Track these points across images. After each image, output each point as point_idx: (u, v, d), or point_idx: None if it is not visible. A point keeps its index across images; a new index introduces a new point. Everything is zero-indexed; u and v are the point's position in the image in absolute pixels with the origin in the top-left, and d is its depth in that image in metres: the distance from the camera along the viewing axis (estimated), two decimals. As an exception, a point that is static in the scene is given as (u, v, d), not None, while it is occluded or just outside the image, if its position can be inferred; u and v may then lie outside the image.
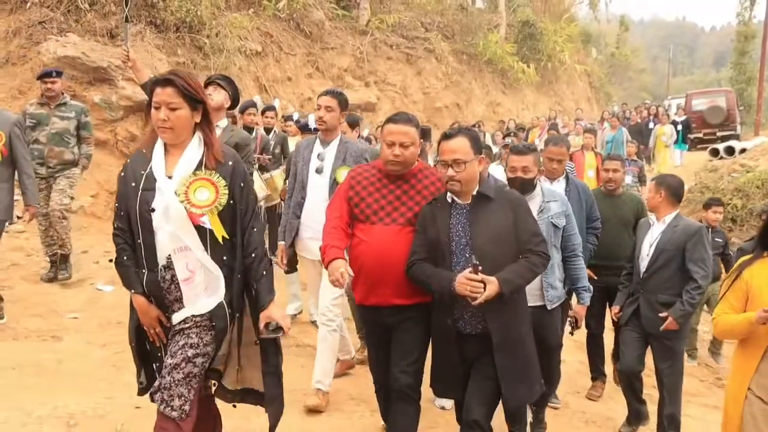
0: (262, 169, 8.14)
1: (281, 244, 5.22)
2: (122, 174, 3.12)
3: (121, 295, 6.44)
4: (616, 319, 5.24)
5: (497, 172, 7.08)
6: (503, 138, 13.69)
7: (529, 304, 3.93)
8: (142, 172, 3.07)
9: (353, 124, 6.55)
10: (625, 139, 15.29)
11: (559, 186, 5.13)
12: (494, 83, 25.09)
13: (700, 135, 23.21)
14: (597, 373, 5.96)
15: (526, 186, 4.30)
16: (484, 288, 3.28)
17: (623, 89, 45.47)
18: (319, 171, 4.97)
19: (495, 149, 13.46)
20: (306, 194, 5.01)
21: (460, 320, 3.51)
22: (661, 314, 4.76)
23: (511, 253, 3.47)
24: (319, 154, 5.00)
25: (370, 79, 18.98)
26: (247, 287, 3.18)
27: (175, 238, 3.00)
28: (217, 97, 5.12)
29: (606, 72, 41.14)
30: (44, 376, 4.58)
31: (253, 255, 3.11)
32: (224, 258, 3.08)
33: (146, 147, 3.16)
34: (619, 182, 5.85)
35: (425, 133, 5.79)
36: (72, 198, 7.38)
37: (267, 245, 7.56)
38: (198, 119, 3.12)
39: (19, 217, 6.97)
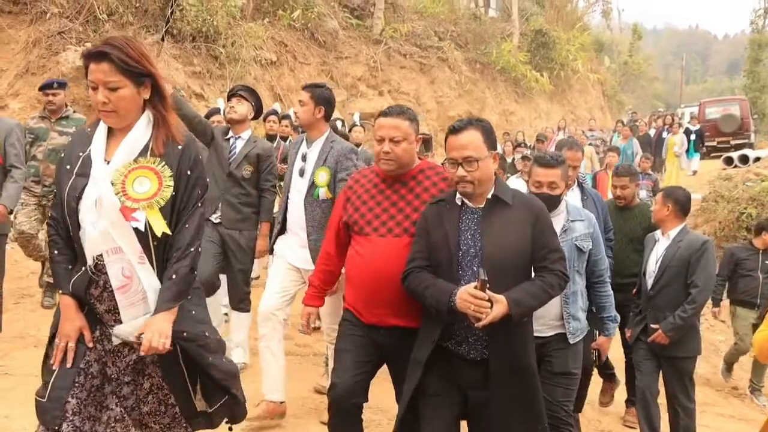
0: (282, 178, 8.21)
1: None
2: (62, 154, 2.69)
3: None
4: (630, 341, 4.98)
5: (518, 185, 6.68)
6: (513, 149, 13.57)
7: (546, 334, 3.71)
8: (81, 153, 2.62)
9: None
10: (635, 150, 14.95)
11: (574, 196, 4.71)
12: (507, 92, 25.14)
13: (714, 143, 23.13)
14: (605, 374, 5.66)
15: (552, 204, 3.76)
16: (491, 308, 2.78)
17: (636, 98, 45.39)
18: (301, 173, 4.48)
19: (508, 159, 13.46)
20: (288, 198, 4.55)
21: (464, 343, 2.99)
22: (652, 325, 4.66)
23: (524, 270, 3.01)
24: (303, 155, 4.52)
25: (383, 88, 19.08)
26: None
27: (106, 235, 2.52)
28: (240, 108, 5.19)
29: (619, 80, 41.10)
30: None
31: (173, 254, 2.59)
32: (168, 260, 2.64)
33: (92, 125, 2.70)
34: (629, 198, 5.45)
35: (426, 144, 5.62)
36: None
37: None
38: (147, 95, 2.62)
39: None
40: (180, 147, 2.64)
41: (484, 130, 3.03)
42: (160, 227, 2.55)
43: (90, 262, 2.56)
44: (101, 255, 2.54)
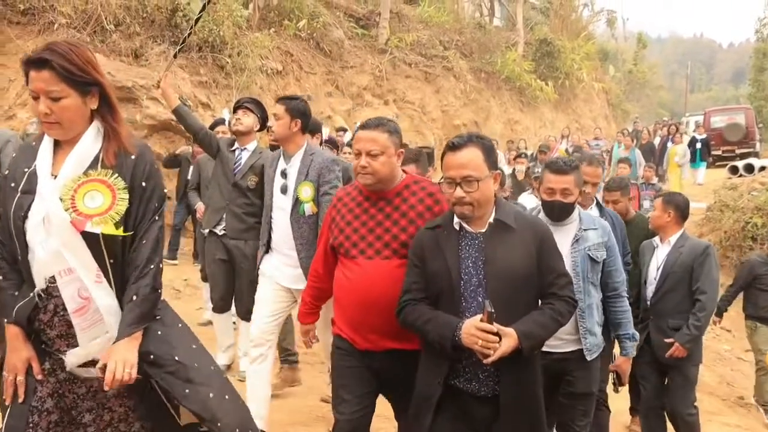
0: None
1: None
2: (6, 171, 2.48)
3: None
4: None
5: (529, 202, 6.66)
6: (514, 159, 13.45)
7: (564, 350, 3.57)
8: (26, 169, 2.42)
9: (315, 130, 5.69)
10: (638, 160, 14.81)
11: (592, 213, 4.37)
12: (512, 101, 25.18)
13: (719, 152, 23.12)
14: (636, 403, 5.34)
15: (565, 212, 3.64)
16: (499, 342, 2.58)
17: (641, 106, 45.36)
18: (284, 190, 4.30)
19: (506, 170, 13.36)
20: (272, 217, 4.38)
21: (473, 381, 2.78)
22: (666, 340, 4.57)
23: (531, 298, 2.80)
24: (282, 171, 4.34)
25: (389, 97, 19.13)
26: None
27: (58, 256, 2.32)
28: (246, 120, 5.22)
29: (624, 89, 41.11)
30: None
31: (132, 274, 2.40)
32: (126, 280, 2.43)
33: (37, 138, 2.50)
34: (623, 212, 5.16)
35: (428, 158, 5.43)
36: None
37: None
38: (94, 105, 2.43)
39: None
40: (133, 157, 2.44)
41: (484, 148, 2.80)
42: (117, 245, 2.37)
43: (41, 285, 2.36)
44: (53, 277, 2.34)
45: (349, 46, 18.38)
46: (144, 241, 2.42)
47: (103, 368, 2.29)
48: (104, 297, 2.37)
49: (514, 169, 11.62)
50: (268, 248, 4.40)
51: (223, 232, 5.24)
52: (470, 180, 2.73)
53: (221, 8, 13.17)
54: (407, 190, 3.19)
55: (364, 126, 3.20)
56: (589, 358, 3.61)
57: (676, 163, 17.53)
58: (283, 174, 4.32)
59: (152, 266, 2.42)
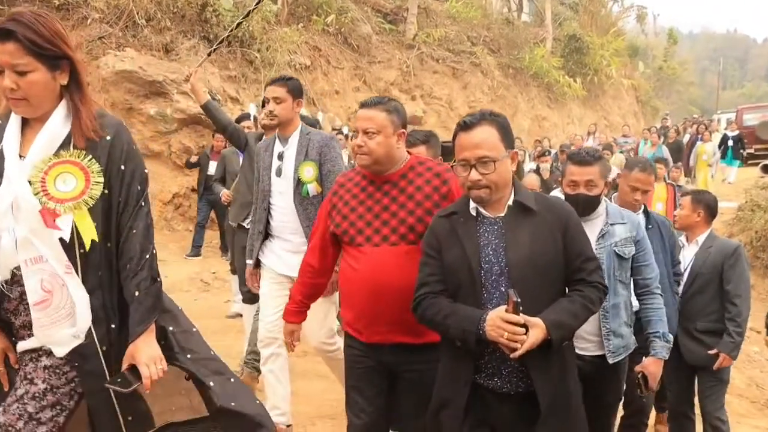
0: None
1: (248, 264, 4.44)
2: None
3: (177, 303, 6.67)
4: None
5: None
6: (538, 158, 13.30)
7: (586, 353, 3.28)
8: None
9: (311, 125, 5.43)
10: (665, 158, 14.62)
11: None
12: (540, 97, 25.06)
13: (752, 151, 22.79)
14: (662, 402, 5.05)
15: (590, 206, 3.39)
16: (526, 333, 2.38)
17: (671, 103, 44.92)
18: (278, 173, 4.17)
19: (531, 165, 13.25)
20: (271, 203, 4.22)
21: (495, 377, 2.57)
22: (710, 352, 4.36)
23: (558, 286, 2.59)
24: (279, 154, 4.20)
25: (416, 93, 19.13)
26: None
27: (26, 244, 2.15)
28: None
29: (653, 86, 40.71)
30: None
31: (127, 267, 2.25)
32: (99, 273, 2.24)
33: (3, 116, 2.33)
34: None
35: (445, 152, 5.30)
36: None
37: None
38: (64, 81, 2.24)
39: None
40: (108, 138, 2.26)
41: (499, 126, 2.58)
42: (90, 233, 2.19)
43: (4, 275, 2.21)
44: (18, 267, 2.18)
45: (376, 42, 18.41)
46: (134, 231, 2.27)
47: (129, 368, 2.21)
48: (76, 288, 2.20)
49: (538, 167, 11.57)
50: (266, 235, 4.26)
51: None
52: (486, 161, 2.51)
53: (250, 3, 13.25)
54: (412, 171, 3.05)
55: (363, 105, 3.08)
56: (611, 361, 3.33)
57: (705, 161, 17.27)
58: (280, 156, 4.18)
59: (147, 256, 2.28)
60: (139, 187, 2.31)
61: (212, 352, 2.54)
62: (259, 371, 5.00)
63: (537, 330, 2.39)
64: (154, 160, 11.30)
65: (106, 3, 11.78)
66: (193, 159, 10.64)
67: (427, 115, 18.91)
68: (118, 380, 2.19)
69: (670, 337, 3.54)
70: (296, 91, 4.22)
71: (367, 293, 2.96)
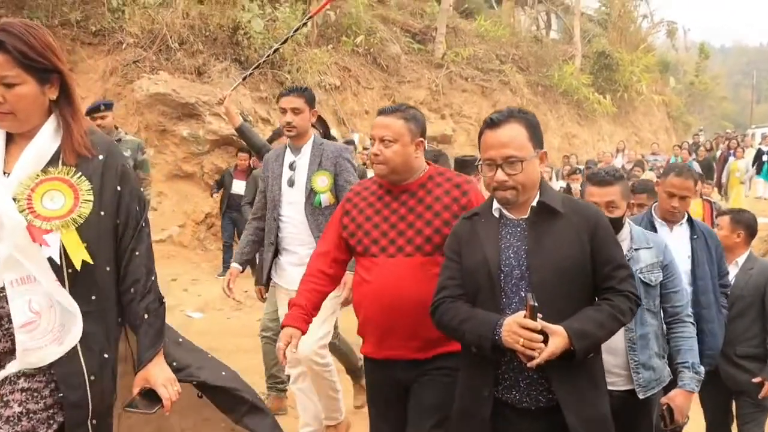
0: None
1: (233, 266, 4.34)
2: None
3: (210, 322, 6.79)
4: None
5: None
6: (568, 176, 13.12)
7: (614, 388, 2.96)
8: None
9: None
10: None
11: (682, 232, 3.89)
12: (569, 114, 24.98)
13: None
14: None
15: (612, 228, 2.96)
16: (545, 341, 2.22)
17: (703, 118, 44.44)
18: (290, 183, 4.10)
19: (560, 184, 13.17)
20: (280, 214, 4.13)
21: (513, 389, 2.40)
22: (754, 380, 4.13)
23: (584, 293, 2.42)
24: (291, 164, 4.13)
25: (445, 112, 19.21)
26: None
27: (12, 263, 2.03)
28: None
29: (685, 101, 40.35)
30: (144, 397, 4.84)
31: (132, 290, 2.18)
32: (92, 297, 2.12)
33: None
34: None
35: (464, 165, 5.23)
36: None
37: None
38: (54, 95, 2.15)
39: None
40: (101, 158, 2.17)
41: (528, 124, 2.45)
42: (79, 253, 2.06)
43: None
44: (3, 287, 2.04)
45: (405, 61, 18.55)
46: (137, 253, 2.21)
47: (140, 392, 2.17)
48: (66, 301, 2.07)
49: (568, 186, 11.51)
50: (276, 249, 4.18)
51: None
52: (513, 161, 2.38)
53: (281, 26, 13.48)
54: (431, 181, 2.97)
55: (380, 112, 2.99)
56: (642, 396, 3.09)
57: (738, 179, 16.99)
58: (291, 166, 4.12)
59: (153, 278, 2.25)
60: (137, 208, 2.25)
61: (207, 355, 2.52)
62: (283, 392, 5.08)
63: (558, 338, 2.23)
64: (186, 181, 11.53)
65: (141, 28, 12.07)
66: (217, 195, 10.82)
67: (457, 134, 18.97)
68: (136, 405, 2.15)
69: (701, 369, 3.25)
70: (312, 102, 4.18)
71: (381, 306, 2.85)
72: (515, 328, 2.24)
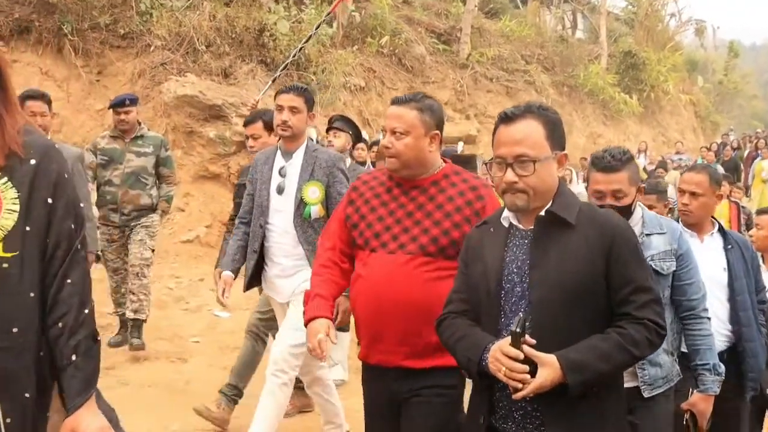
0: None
1: (224, 274, 4.05)
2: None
3: (237, 321, 6.86)
4: None
5: None
6: (585, 180, 12.98)
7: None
8: None
9: (271, 125, 4.66)
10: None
11: (714, 243, 3.56)
12: (595, 114, 24.82)
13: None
14: None
15: (621, 215, 2.71)
16: (533, 372, 1.97)
17: (732, 117, 43.87)
18: (279, 190, 3.87)
19: (580, 187, 13.03)
20: (267, 221, 3.90)
21: (509, 419, 2.15)
22: None
23: (593, 317, 2.10)
24: (281, 169, 3.90)
25: (470, 112, 19.19)
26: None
27: None
28: (337, 142, 5.39)
29: (713, 100, 39.87)
30: (175, 394, 4.97)
31: (59, 324, 1.83)
32: (14, 330, 1.80)
33: None
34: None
35: (466, 161, 5.06)
36: (153, 250, 6.15)
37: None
38: None
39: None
40: (33, 162, 1.85)
41: (547, 121, 2.19)
42: None
43: None
44: None
45: (430, 62, 18.55)
46: (69, 280, 1.86)
47: None
48: None
49: (586, 187, 11.40)
50: (260, 257, 3.96)
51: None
52: (524, 160, 2.12)
53: (306, 27, 13.56)
54: (446, 180, 2.76)
55: (393, 101, 2.79)
56: (647, 395, 2.86)
57: (763, 178, 16.75)
58: (282, 172, 3.89)
59: (86, 311, 1.89)
60: (71, 225, 1.89)
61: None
62: (236, 402, 4.70)
63: (547, 370, 1.97)
64: (213, 182, 11.65)
65: (168, 31, 12.23)
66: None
67: (482, 134, 18.93)
68: None
69: (722, 369, 3.05)
70: (311, 104, 3.98)
71: (372, 305, 2.66)
72: (498, 354, 2.01)
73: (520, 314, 2.04)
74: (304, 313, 2.81)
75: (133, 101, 6.05)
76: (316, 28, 7.00)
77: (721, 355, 3.17)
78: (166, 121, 11.46)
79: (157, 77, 11.83)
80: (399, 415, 2.73)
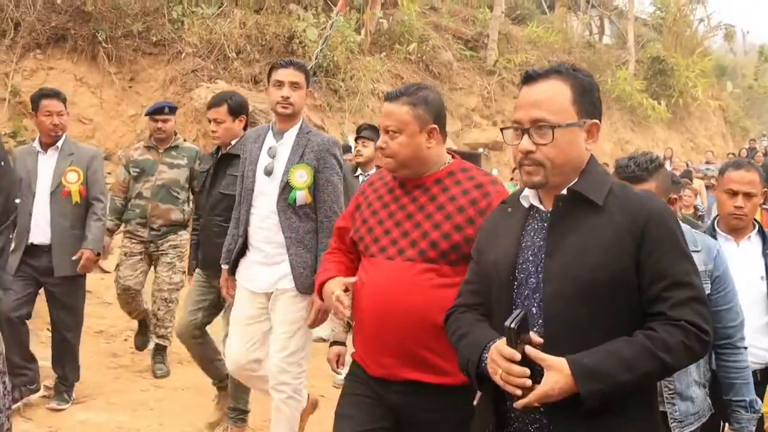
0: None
1: (224, 267, 3.88)
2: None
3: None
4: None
5: None
6: None
7: None
8: None
9: (237, 110, 4.53)
10: None
11: (752, 247, 3.20)
12: (623, 120, 24.69)
13: None
14: None
15: None
16: (533, 375, 1.70)
17: (762, 123, 43.30)
18: (267, 172, 3.57)
19: None
20: (251, 204, 3.64)
21: (515, 424, 1.87)
22: None
23: (620, 317, 1.77)
24: (269, 149, 3.61)
25: (497, 119, 19.18)
26: None
27: None
28: (366, 151, 5.55)
29: (743, 106, 39.41)
30: (207, 396, 5.04)
31: None
32: None
33: None
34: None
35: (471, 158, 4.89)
36: (183, 273, 5.74)
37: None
38: None
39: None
40: None
41: (576, 84, 1.87)
42: None
43: None
44: None
45: (457, 68, 18.59)
46: None
47: None
48: None
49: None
50: (245, 243, 3.70)
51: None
52: (542, 125, 1.81)
53: (335, 34, 13.68)
54: (450, 177, 2.52)
55: (386, 97, 2.58)
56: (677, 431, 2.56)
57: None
58: (270, 152, 3.61)
59: None
60: None
61: None
62: (246, 420, 4.64)
63: (554, 375, 1.67)
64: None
65: (200, 38, 12.41)
66: None
67: (508, 140, 18.96)
68: None
69: (758, 405, 2.75)
70: (309, 81, 3.71)
71: (373, 314, 2.44)
72: (494, 355, 1.75)
73: (519, 309, 1.76)
74: (318, 272, 2.61)
75: (172, 110, 5.79)
76: (330, 27, 7.08)
77: (755, 375, 2.91)
78: (197, 127, 11.60)
79: (188, 84, 12.00)
80: (390, 421, 2.50)
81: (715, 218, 3.40)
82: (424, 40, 17.19)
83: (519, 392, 1.69)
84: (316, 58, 6.70)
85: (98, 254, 4.88)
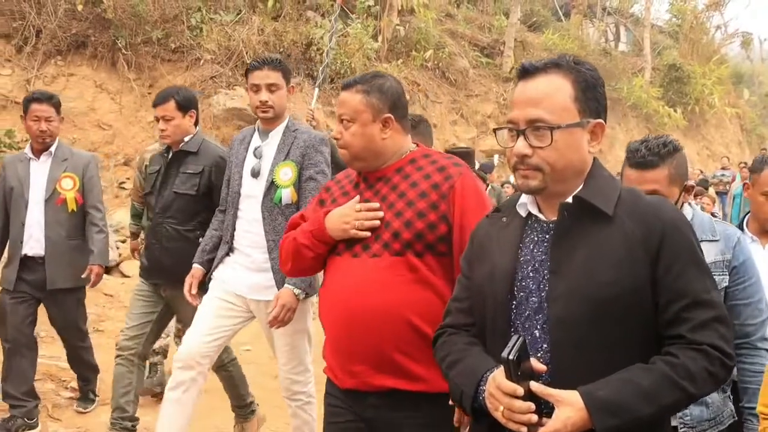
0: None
1: (194, 266, 3.62)
2: None
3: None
4: None
5: None
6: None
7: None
8: None
9: (185, 105, 4.07)
10: None
11: None
12: (638, 128, 24.62)
13: None
14: None
15: None
16: (540, 412, 1.50)
17: (778, 131, 43.09)
18: (254, 174, 3.41)
19: None
20: (238, 208, 3.47)
21: None
22: None
23: (635, 340, 1.58)
24: (255, 150, 3.46)
25: (512, 125, 19.25)
26: None
27: None
28: None
29: (760, 113, 39.20)
30: (229, 400, 5.07)
31: None
32: None
33: None
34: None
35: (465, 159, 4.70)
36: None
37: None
38: None
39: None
40: None
41: (579, 79, 1.66)
42: None
43: None
44: None
45: (473, 75, 18.64)
46: None
47: None
48: None
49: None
50: (230, 248, 3.52)
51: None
52: (540, 125, 1.62)
53: (352, 41, 13.77)
54: (412, 164, 2.34)
55: (342, 85, 2.44)
56: None
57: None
58: (257, 153, 3.45)
59: None
60: None
61: None
62: (254, 411, 4.55)
63: (566, 411, 1.48)
64: (260, 193, 11.90)
65: (218, 45, 12.53)
66: None
67: (524, 147, 19.01)
68: None
69: None
70: (289, 76, 3.53)
71: (340, 318, 2.24)
72: (494, 389, 1.55)
73: (516, 336, 1.53)
74: (312, 233, 2.37)
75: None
76: (335, 22, 7.11)
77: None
78: (215, 133, 11.71)
79: (207, 90, 12.12)
80: None
81: (744, 217, 3.17)
82: (440, 47, 17.26)
83: (524, 429, 1.50)
84: (326, 55, 6.69)
85: (106, 268, 4.67)
